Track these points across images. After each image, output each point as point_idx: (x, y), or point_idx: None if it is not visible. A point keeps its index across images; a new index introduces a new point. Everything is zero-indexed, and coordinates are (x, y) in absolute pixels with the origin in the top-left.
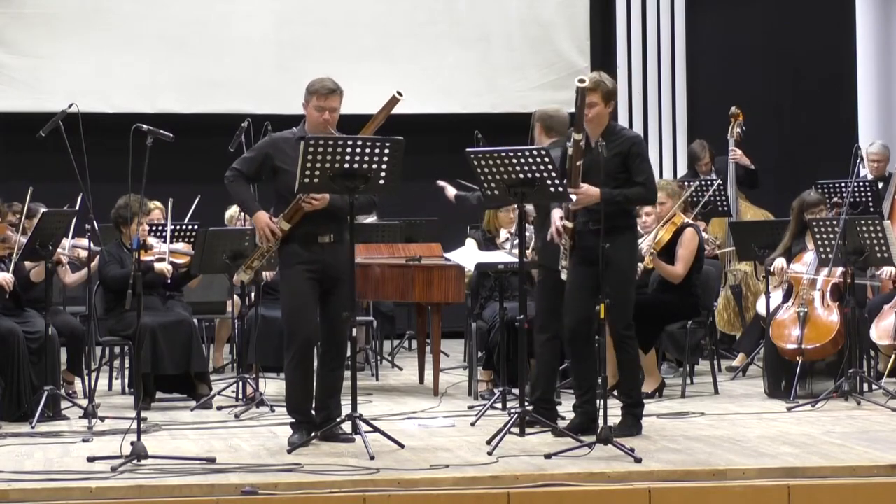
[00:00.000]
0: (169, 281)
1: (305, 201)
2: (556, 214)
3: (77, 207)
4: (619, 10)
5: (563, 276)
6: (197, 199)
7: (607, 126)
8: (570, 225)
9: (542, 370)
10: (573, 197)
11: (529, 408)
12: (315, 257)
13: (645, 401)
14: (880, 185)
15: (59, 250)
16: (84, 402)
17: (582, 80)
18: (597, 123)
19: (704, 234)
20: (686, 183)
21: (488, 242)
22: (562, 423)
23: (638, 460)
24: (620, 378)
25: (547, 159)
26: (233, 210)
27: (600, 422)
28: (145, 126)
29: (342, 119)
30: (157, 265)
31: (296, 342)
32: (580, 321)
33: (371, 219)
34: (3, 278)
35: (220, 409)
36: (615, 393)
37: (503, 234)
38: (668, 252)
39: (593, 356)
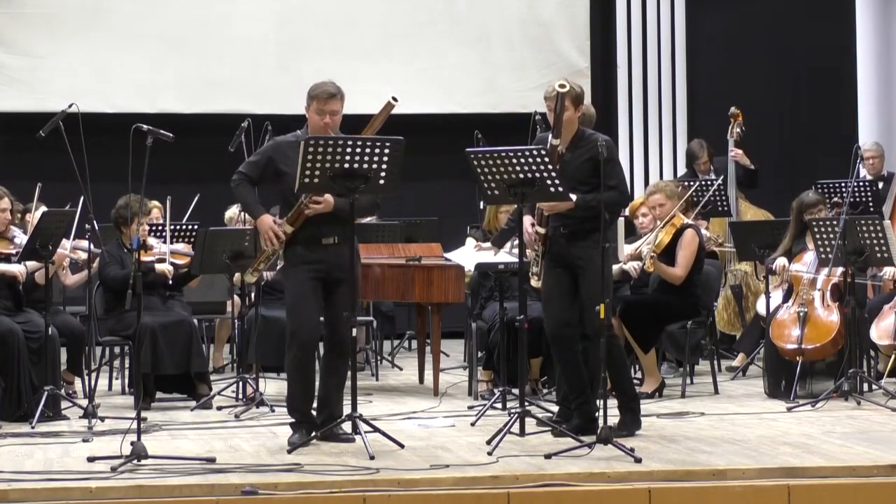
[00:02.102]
0: (170, 282)
1: (308, 205)
2: (528, 221)
3: (77, 208)
4: (619, 10)
5: (534, 282)
6: (196, 198)
7: (577, 131)
8: (542, 231)
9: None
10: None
11: (531, 408)
12: (319, 258)
13: (645, 401)
14: (880, 185)
15: (60, 250)
16: (84, 402)
17: (563, 86)
18: (567, 129)
19: (706, 233)
20: (686, 183)
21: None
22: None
23: (638, 460)
24: (610, 376)
25: (547, 159)
26: (232, 210)
27: (600, 422)
28: (145, 126)
29: (342, 119)
30: (158, 266)
31: (297, 342)
32: (561, 325)
33: (371, 219)
34: (18, 269)
35: (220, 409)
36: (615, 393)
37: None
38: (668, 253)
39: (577, 358)
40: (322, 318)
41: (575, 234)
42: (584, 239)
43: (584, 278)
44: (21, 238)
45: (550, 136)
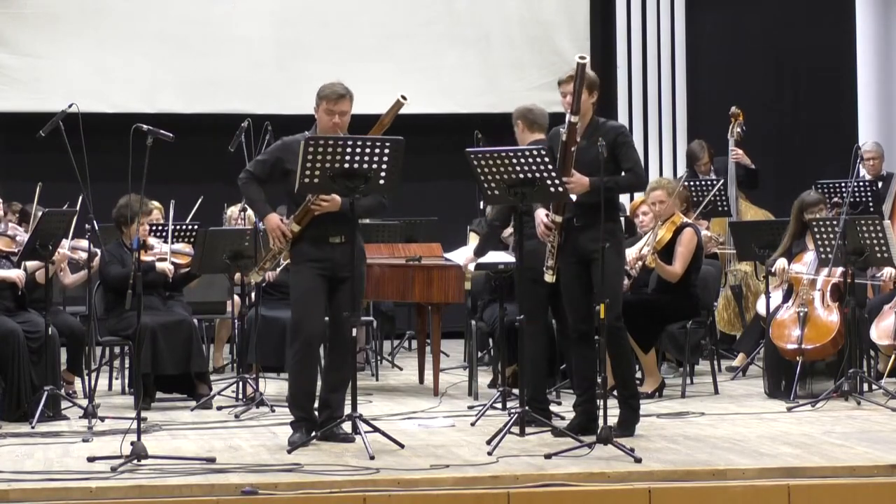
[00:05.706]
0: (170, 281)
1: (315, 203)
2: (541, 213)
3: (77, 207)
4: (619, 10)
5: (547, 277)
6: (199, 201)
7: (591, 120)
8: (558, 219)
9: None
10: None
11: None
12: (325, 255)
13: (645, 401)
14: (879, 184)
15: (60, 250)
16: (84, 402)
17: (583, 57)
18: (582, 116)
19: (707, 233)
20: (686, 183)
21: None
22: (561, 423)
23: (638, 460)
24: (614, 369)
25: (547, 159)
26: (232, 210)
27: (600, 422)
28: (145, 126)
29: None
30: (159, 264)
31: (300, 338)
32: (582, 320)
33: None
34: (17, 275)
35: (220, 409)
36: (615, 393)
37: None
38: (667, 252)
39: (595, 355)
40: (326, 318)
41: (588, 226)
42: (597, 231)
43: (596, 273)
44: (21, 236)
45: (568, 114)
